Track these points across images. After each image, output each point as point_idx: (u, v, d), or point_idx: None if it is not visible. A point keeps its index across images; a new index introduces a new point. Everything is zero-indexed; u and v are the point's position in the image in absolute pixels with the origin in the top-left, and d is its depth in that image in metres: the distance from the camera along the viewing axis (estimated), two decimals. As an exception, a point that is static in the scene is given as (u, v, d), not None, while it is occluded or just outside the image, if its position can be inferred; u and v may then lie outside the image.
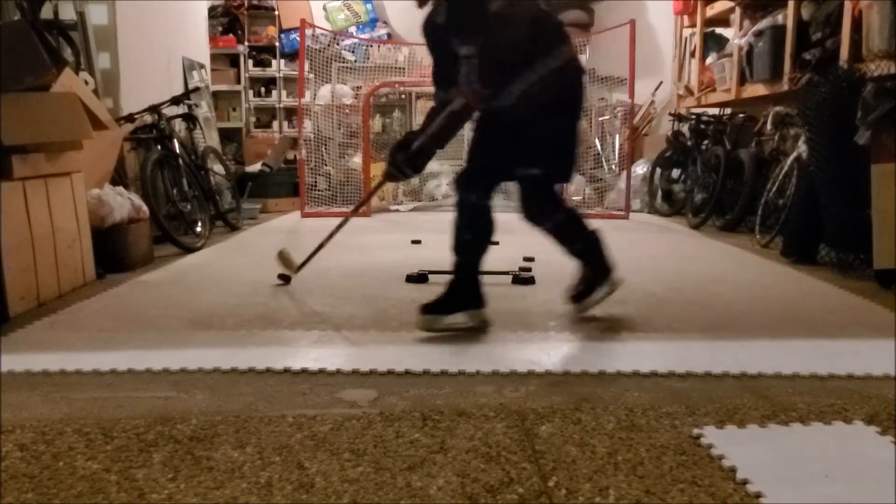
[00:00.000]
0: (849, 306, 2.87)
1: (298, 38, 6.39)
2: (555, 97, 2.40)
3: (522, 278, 3.24)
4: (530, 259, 3.71)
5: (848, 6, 3.94)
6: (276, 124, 7.63)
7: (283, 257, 3.23)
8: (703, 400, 1.81)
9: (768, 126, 4.80)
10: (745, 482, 1.37)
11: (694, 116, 6.13)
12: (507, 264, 3.52)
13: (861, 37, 3.79)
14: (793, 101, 4.33)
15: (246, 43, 7.43)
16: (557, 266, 3.68)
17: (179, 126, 4.88)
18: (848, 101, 3.37)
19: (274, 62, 7.48)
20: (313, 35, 6.87)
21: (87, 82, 3.90)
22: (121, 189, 3.73)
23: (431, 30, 2.42)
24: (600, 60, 6.82)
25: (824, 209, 3.56)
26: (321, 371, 2.02)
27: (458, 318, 2.42)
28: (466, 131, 3.33)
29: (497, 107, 2.39)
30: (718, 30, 6.57)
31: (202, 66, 6.49)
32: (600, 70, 6.85)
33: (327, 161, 6.86)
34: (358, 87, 7.00)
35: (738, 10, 5.61)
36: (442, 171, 6.91)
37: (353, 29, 7.41)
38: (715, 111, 6.16)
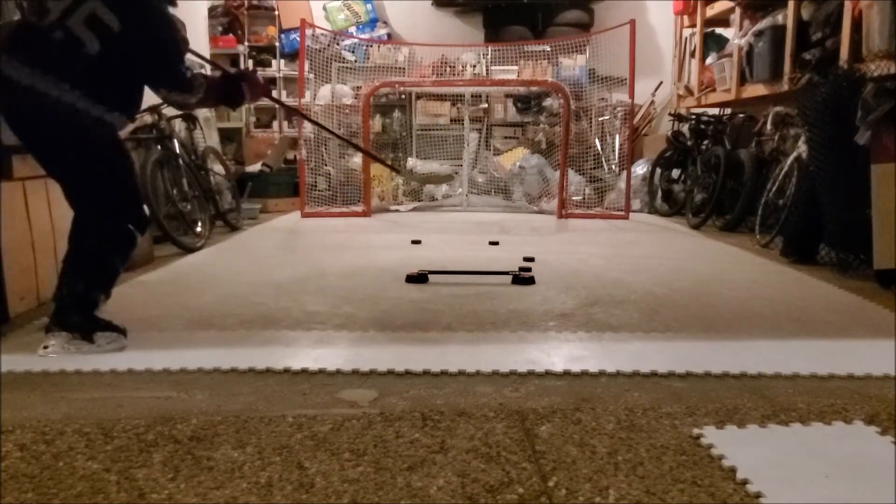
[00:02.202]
0: (849, 306, 2.87)
1: (298, 38, 6.39)
2: None
3: (522, 278, 3.24)
4: (530, 259, 3.71)
5: (848, 6, 3.94)
6: (276, 124, 7.63)
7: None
8: (703, 400, 1.81)
9: (768, 126, 4.80)
10: (745, 482, 1.37)
11: (694, 116, 6.13)
12: (507, 264, 3.52)
13: (861, 37, 3.79)
14: (793, 101, 4.33)
15: (246, 43, 7.42)
16: (557, 266, 3.68)
17: (179, 126, 4.88)
18: (848, 101, 3.37)
19: (274, 62, 7.47)
20: (313, 35, 6.86)
21: (87, 82, 3.89)
22: (121, 189, 3.72)
23: None
24: (600, 60, 6.82)
25: (824, 209, 3.56)
26: (321, 371, 2.02)
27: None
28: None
29: None
30: (718, 30, 6.57)
31: (202, 67, 6.48)
32: (600, 70, 6.85)
33: (327, 161, 6.86)
34: (358, 87, 6.99)
35: (738, 10, 5.61)
36: (442, 171, 6.91)
37: (353, 29, 7.40)
38: (715, 111, 6.16)
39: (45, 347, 2.19)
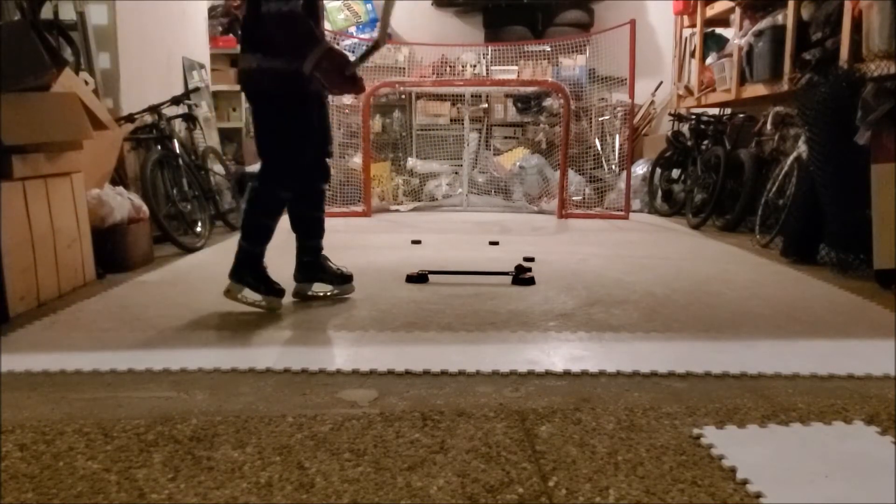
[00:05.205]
0: (849, 306, 2.87)
1: (298, 38, 6.39)
2: None
3: (522, 278, 3.24)
4: (530, 259, 3.71)
5: (848, 6, 3.94)
6: (276, 124, 7.62)
7: None
8: (703, 400, 1.81)
9: (768, 126, 4.80)
10: (745, 482, 1.37)
11: (694, 116, 6.12)
12: (507, 264, 3.52)
13: (861, 37, 3.79)
14: (793, 101, 4.32)
15: (246, 43, 7.42)
16: (557, 266, 3.68)
17: (179, 126, 4.88)
18: (848, 101, 3.37)
19: (274, 62, 7.47)
20: (313, 35, 6.85)
21: (87, 82, 3.90)
22: (121, 189, 3.73)
23: None
24: (600, 60, 6.82)
25: (824, 209, 3.56)
26: (321, 371, 2.02)
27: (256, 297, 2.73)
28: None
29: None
30: (718, 30, 6.57)
31: (202, 66, 6.49)
32: (600, 70, 6.85)
33: (327, 161, 6.85)
34: (358, 87, 6.98)
35: (738, 10, 5.61)
36: (442, 171, 6.91)
37: (353, 29, 7.40)
38: (715, 111, 6.16)
39: (228, 292, 2.70)
